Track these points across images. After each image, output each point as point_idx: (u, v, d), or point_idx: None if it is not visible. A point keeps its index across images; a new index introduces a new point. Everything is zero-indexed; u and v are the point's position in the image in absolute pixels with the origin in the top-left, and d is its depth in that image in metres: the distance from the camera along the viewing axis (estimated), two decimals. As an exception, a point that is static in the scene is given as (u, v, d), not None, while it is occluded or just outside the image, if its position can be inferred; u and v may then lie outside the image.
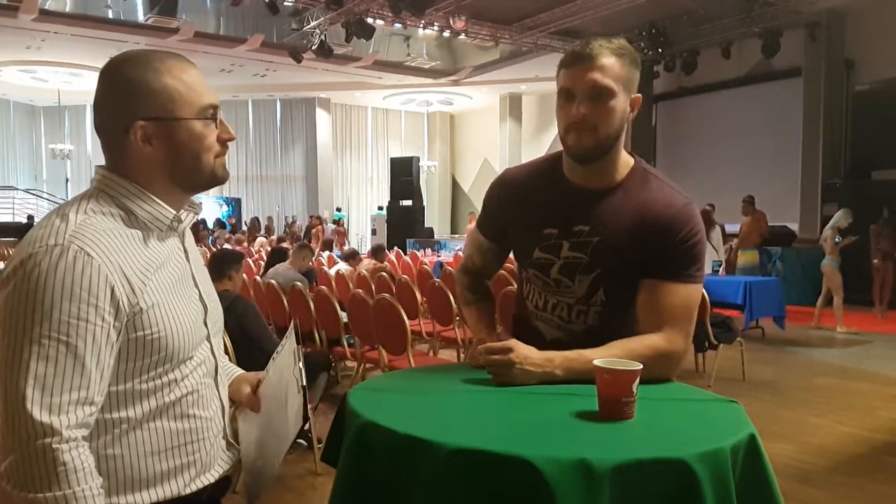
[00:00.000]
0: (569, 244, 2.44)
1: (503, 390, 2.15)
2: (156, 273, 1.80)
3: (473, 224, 3.11)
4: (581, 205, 2.43)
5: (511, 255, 2.79)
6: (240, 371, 2.24)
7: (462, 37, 20.89)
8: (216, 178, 1.92)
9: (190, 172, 1.87)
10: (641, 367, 1.93)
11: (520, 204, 2.57)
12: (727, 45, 19.79)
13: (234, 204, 32.57)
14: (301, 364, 2.06)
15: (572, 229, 2.43)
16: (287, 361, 2.07)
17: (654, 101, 23.39)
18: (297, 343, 2.10)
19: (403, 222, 27.61)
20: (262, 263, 12.48)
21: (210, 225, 27.79)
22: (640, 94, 2.39)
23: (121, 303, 1.69)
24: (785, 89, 19.57)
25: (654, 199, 2.38)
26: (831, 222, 12.98)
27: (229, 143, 1.94)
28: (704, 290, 7.62)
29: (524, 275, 2.64)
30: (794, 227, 18.30)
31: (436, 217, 34.55)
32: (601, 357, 2.08)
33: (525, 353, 2.20)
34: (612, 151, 2.38)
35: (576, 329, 2.50)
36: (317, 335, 7.75)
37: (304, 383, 2.03)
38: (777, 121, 19.93)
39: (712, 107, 22.08)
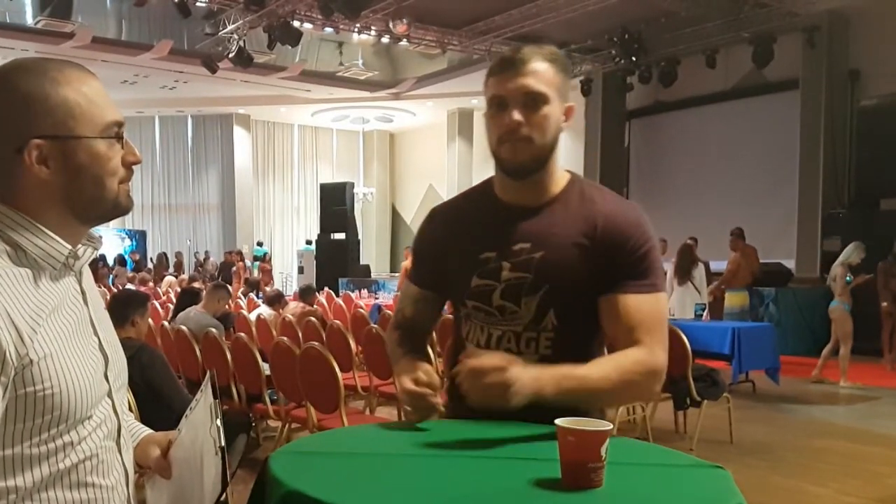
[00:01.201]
0: (510, 265, 2.52)
1: (448, 454, 2.14)
2: (48, 318, 1.77)
3: (410, 260, 3.14)
4: (518, 223, 2.54)
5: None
6: (147, 431, 2.22)
7: (404, 43, 21.02)
8: (119, 208, 1.90)
9: (90, 200, 1.85)
10: (611, 426, 1.93)
11: (452, 235, 2.68)
12: (712, 52, 19.97)
13: (138, 237, 32.24)
14: (219, 421, 2.01)
15: (512, 249, 2.52)
16: (202, 418, 2.03)
17: (627, 117, 23.59)
18: (215, 397, 2.04)
19: (335, 259, 27.47)
20: (171, 306, 12.40)
21: (110, 262, 27.42)
22: (574, 104, 2.54)
23: (7, 354, 1.65)
24: (779, 104, 19.75)
25: (598, 208, 2.51)
26: (841, 258, 12.82)
27: (135, 167, 1.93)
28: (685, 338, 7.72)
29: (463, 312, 2.69)
30: (790, 264, 18.39)
31: (373, 253, 34.56)
32: (588, 374, 2.23)
33: (517, 369, 2.21)
34: (547, 164, 2.51)
35: (527, 361, 2.48)
36: (234, 390, 7.69)
37: (223, 444, 2.01)
38: (770, 141, 20.04)
39: (695, 124, 22.22)
